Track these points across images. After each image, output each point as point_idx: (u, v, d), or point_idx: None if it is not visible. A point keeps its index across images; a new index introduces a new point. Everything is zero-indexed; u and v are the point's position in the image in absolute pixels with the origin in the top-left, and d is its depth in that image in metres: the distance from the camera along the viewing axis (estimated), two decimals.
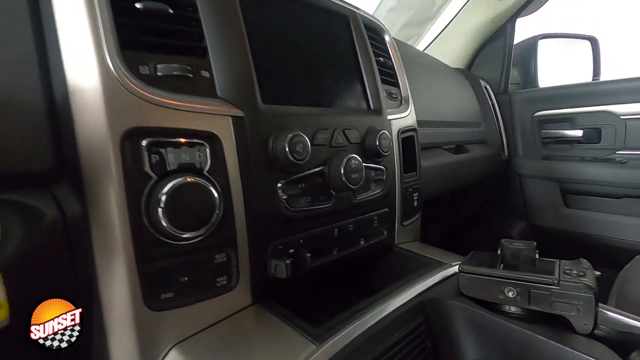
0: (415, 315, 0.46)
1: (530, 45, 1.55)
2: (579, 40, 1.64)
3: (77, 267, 0.36)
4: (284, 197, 0.45)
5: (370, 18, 0.71)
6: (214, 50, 0.42)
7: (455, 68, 1.47)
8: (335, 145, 0.52)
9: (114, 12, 0.36)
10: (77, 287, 0.36)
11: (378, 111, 0.62)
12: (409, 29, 1.50)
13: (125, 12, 0.37)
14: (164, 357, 0.38)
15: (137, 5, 0.38)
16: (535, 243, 0.50)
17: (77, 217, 0.35)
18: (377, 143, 0.56)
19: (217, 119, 0.41)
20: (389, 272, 0.63)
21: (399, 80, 0.73)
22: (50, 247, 0.34)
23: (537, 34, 1.57)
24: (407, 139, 0.71)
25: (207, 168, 0.39)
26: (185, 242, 0.37)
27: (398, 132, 0.67)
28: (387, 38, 0.73)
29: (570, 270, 0.44)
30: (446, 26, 1.48)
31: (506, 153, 1.43)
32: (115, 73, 0.35)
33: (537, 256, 0.50)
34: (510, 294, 0.44)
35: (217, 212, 0.38)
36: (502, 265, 0.49)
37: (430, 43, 1.57)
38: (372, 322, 0.42)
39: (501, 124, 1.43)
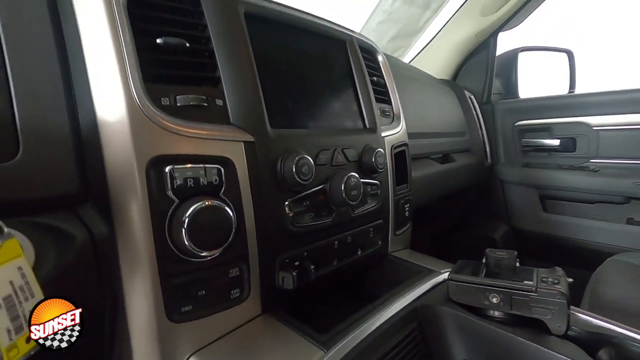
0: (409, 321, 0.51)
1: (511, 58, 1.64)
2: (556, 52, 1.74)
3: (104, 282, 0.39)
4: (290, 215, 0.49)
5: (365, 40, 0.75)
6: (226, 79, 0.46)
7: (441, 79, 1.54)
8: (335, 164, 0.56)
9: (138, 48, 0.39)
10: (104, 300, 0.39)
11: (373, 129, 0.66)
12: (397, 41, 1.57)
13: (147, 48, 0.40)
14: None
15: (158, 40, 0.41)
16: (516, 252, 0.55)
17: (103, 236, 0.38)
18: (373, 160, 0.60)
19: (231, 145, 0.44)
20: (384, 279, 0.67)
21: (391, 98, 0.78)
22: (80, 266, 0.37)
23: (517, 46, 1.66)
24: (399, 153, 0.76)
25: (222, 190, 0.42)
26: (203, 259, 0.41)
27: (391, 147, 0.72)
28: (380, 58, 0.78)
29: (546, 278, 0.49)
30: (432, 39, 1.54)
31: (489, 160, 1.50)
32: (140, 105, 0.38)
33: (517, 264, 0.55)
34: (494, 300, 0.49)
35: (233, 231, 0.42)
36: (486, 272, 0.54)
37: (418, 54, 1.64)
38: (373, 328, 0.46)
39: (484, 132, 1.51)
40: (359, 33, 0.74)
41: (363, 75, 0.68)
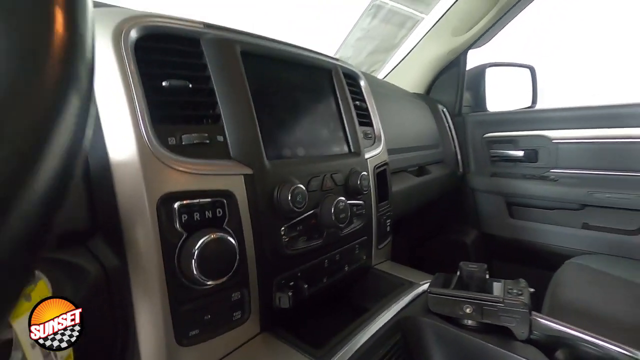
0: (394, 332, 0.56)
1: (480, 72, 1.75)
2: (520, 68, 1.87)
3: (115, 309, 0.41)
4: (286, 239, 0.53)
5: (347, 67, 0.80)
6: (226, 115, 0.49)
7: (415, 93, 1.62)
8: (325, 189, 0.60)
9: (146, 91, 0.42)
10: (116, 327, 0.41)
11: (357, 153, 0.72)
12: (374, 56, 1.64)
13: (154, 91, 0.43)
14: None
15: (164, 83, 0.44)
16: (485, 265, 0.62)
17: (115, 268, 0.41)
18: (359, 183, 0.65)
19: (232, 178, 0.48)
20: (369, 292, 0.73)
21: (372, 121, 0.83)
22: (94, 297, 0.40)
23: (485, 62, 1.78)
24: (380, 172, 0.82)
25: (225, 222, 0.46)
26: (209, 287, 0.44)
27: (374, 168, 0.78)
28: (362, 83, 0.84)
29: (511, 290, 0.56)
30: (407, 54, 1.63)
31: (461, 170, 1.60)
32: (150, 147, 0.41)
33: (487, 276, 0.62)
34: (468, 310, 0.56)
35: (237, 259, 0.45)
36: (460, 284, 0.60)
37: (394, 68, 1.72)
38: (362, 341, 0.51)
39: (456, 143, 1.60)
40: (343, 61, 0.79)
41: (347, 102, 0.73)
